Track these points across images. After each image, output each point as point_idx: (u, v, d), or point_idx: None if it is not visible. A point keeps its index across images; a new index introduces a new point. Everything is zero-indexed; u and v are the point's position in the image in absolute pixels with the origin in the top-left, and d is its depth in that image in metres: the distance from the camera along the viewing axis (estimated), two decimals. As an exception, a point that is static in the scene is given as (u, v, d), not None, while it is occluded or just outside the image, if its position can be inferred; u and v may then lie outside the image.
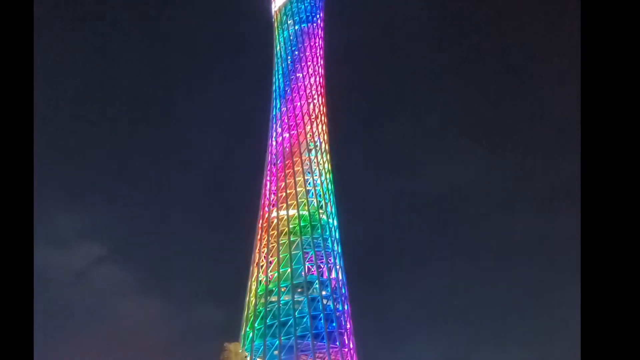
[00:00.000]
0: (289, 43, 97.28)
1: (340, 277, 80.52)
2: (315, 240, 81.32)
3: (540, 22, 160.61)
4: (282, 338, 74.53)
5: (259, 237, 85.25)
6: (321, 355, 74.14)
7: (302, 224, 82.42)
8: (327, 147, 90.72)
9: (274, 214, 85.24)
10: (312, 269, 79.54)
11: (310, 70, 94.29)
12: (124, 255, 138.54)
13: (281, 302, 77.44)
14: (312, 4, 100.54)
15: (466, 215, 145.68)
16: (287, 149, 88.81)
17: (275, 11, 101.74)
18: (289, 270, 79.00)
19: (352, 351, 75.83)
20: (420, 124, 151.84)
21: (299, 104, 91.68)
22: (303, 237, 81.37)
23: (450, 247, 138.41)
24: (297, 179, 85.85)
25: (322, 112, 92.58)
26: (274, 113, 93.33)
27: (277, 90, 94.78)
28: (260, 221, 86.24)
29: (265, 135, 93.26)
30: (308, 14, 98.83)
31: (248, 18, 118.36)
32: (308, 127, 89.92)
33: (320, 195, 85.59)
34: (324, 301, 77.44)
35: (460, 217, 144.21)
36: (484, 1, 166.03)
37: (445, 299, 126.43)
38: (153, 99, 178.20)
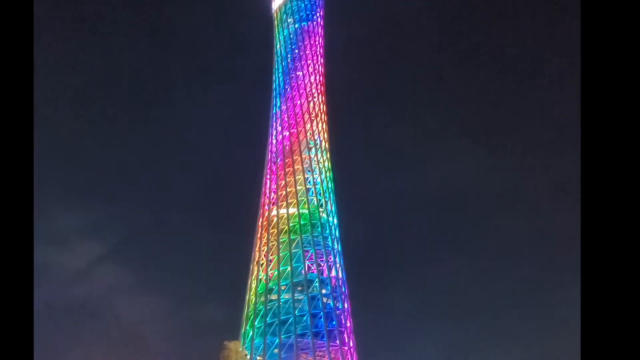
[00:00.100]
0: (289, 41, 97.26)
1: (340, 276, 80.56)
2: (315, 239, 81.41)
3: (540, 21, 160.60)
4: (282, 336, 74.61)
5: (259, 235, 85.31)
6: (321, 353, 74.19)
7: (302, 222, 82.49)
8: (327, 146, 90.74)
9: (274, 212, 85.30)
10: (312, 268, 79.60)
11: (310, 68, 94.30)
12: (124, 254, 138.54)
13: (281, 300, 77.51)
14: (312, 2, 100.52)
15: (466, 215, 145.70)
16: (287, 148, 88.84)
17: (275, 10, 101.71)
18: (289, 268, 79.07)
19: (352, 349, 75.88)
20: (420, 123, 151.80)
21: (299, 102, 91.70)
22: (303, 235, 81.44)
23: (450, 246, 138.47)
24: (297, 177, 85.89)
25: (322, 111, 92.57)
26: (274, 111, 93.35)
27: (277, 89, 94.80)
28: (261, 219, 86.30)
29: (265, 133, 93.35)
30: (308, 12, 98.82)
31: (248, 17, 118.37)
32: (308, 126, 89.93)
33: (320, 194, 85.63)
34: (324, 299, 77.52)
35: (460, 216, 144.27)
36: (484, 1, 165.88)
37: (445, 297, 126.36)
38: (153, 98, 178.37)
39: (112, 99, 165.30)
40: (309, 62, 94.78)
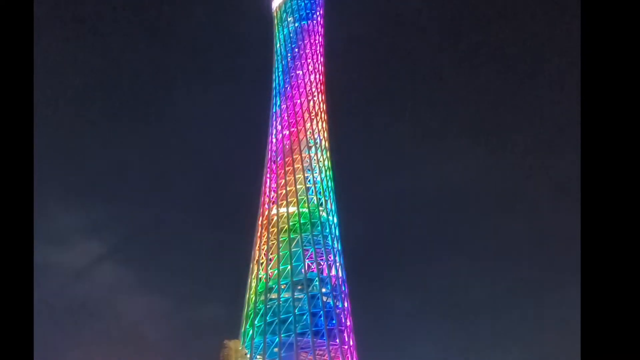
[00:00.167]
0: (289, 40, 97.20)
1: (340, 275, 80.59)
2: (315, 238, 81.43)
3: (540, 21, 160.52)
4: (282, 335, 74.67)
5: (259, 234, 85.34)
6: (321, 352, 74.24)
7: (302, 222, 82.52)
8: (327, 145, 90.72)
9: (274, 211, 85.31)
10: (312, 267, 79.64)
11: (310, 67, 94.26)
12: (124, 254, 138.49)
13: (281, 299, 77.56)
14: (312, 1, 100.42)
15: (466, 214, 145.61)
16: (287, 147, 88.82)
17: (275, 8, 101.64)
18: (289, 267, 79.12)
19: (351, 349, 75.93)
20: (420, 122, 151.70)
21: (299, 101, 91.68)
22: (303, 234, 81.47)
23: (450, 245, 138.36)
24: (297, 176, 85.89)
25: (322, 110, 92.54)
26: (274, 110, 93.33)
27: (277, 88, 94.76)
28: (261, 218, 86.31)
29: (265, 132, 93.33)
30: (308, 11, 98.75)
31: (248, 16, 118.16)
32: (308, 125, 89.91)
33: (320, 193, 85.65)
34: (324, 298, 77.56)
35: (460, 216, 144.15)
36: (484, 1, 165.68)
37: (445, 297, 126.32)
38: (153, 98, 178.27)
39: (112, 99, 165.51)
40: (308, 61, 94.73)
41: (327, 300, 77.79)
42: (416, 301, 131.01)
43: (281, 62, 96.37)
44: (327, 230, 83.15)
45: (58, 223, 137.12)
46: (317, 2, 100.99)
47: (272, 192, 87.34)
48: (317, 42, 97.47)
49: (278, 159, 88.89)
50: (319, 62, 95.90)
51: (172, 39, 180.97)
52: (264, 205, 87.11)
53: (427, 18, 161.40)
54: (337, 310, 77.28)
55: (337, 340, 75.03)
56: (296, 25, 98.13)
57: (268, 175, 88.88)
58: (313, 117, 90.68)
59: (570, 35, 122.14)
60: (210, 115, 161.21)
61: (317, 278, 78.48)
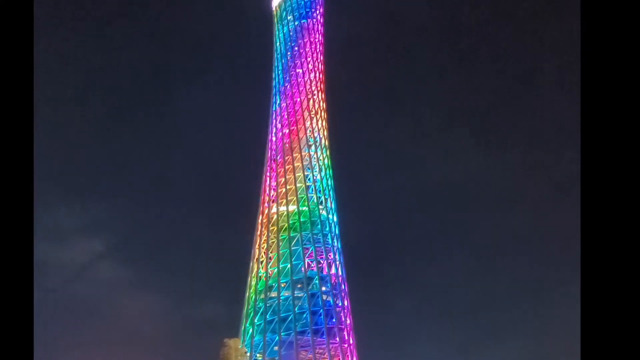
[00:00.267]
0: (288, 39, 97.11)
1: (340, 273, 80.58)
2: (315, 236, 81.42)
3: (541, 20, 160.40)
4: (282, 334, 74.72)
5: (258, 232, 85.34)
6: (321, 350, 74.27)
7: (302, 220, 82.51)
8: (326, 143, 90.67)
9: (274, 209, 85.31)
10: (312, 265, 79.64)
11: (310, 66, 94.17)
12: (124, 251, 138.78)
13: (281, 297, 77.59)
14: (312, 0, 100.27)
15: (466, 213, 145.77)
16: (287, 145, 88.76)
17: (275, 7, 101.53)
18: (289, 266, 79.13)
19: (351, 347, 75.97)
20: (420, 120, 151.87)
21: (298, 99, 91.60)
22: (303, 232, 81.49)
23: (450, 244, 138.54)
24: (297, 174, 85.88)
25: (321, 108, 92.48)
26: (274, 109, 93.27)
27: (277, 86, 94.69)
28: (260, 217, 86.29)
29: (265, 131, 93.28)
30: (308, 9, 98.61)
31: (248, 15, 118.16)
32: (308, 123, 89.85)
33: (320, 191, 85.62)
34: (324, 297, 77.59)
35: (460, 214, 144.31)
36: (484, 0, 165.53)
37: (445, 295, 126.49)
38: (153, 96, 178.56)
39: (112, 98, 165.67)
40: (308, 59, 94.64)
41: (327, 299, 77.81)
42: (416, 299, 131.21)
43: (281, 60, 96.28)
44: (327, 229, 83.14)
45: (58, 221, 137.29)
46: (316, 1, 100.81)
47: (272, 191, 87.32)
48: (316, 40, 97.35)
49: (278, 158, 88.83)
50: (318, 60, 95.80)
51: (172, 37, 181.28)
52: (264, 203, 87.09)
53: (427, 17, 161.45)
54: (337, 309, 77.30)
55: (337, 339, 75.07)
56: (296, 23, 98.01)
57: (268, 174, 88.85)
58: (313, 116, 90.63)
59: (570, 34, 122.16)
60: (210, 114, 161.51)
61: (317, 276, 78.48)
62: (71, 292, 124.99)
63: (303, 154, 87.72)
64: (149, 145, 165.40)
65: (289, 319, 75.46)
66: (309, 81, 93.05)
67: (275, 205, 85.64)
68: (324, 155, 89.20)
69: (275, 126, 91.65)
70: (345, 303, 78.64)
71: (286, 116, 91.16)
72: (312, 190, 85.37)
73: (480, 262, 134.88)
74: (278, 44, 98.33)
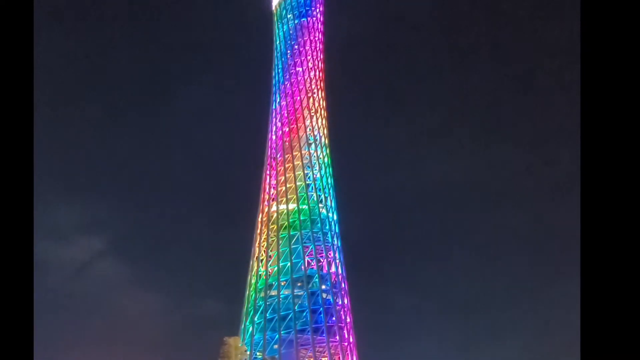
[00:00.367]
0: (288, 37, 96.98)
1: (340, 271, 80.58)
2: (315, 235, 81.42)
3: (541, 18, 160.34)
4: (281, 332, 74.71)
5: (258, 231, 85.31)
6: (321, 349, 74.28)
7: (302, 218, 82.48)
8: (326, 141, 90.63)
9: (274, 208, 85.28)
10: (312, 263, 79.64)
11: (309, 64, 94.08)
12: (124, 250, 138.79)
13: (281, 296, 77.57)
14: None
15: (466, 211, 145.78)
16: (287, 143, 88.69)
17: (275, 5, 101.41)
18: (289, 264, 79.12)
19: (351, 345, 75.97)
20: (420, 119, 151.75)
21: (298, 98, 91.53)
22: (303, 231, 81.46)
23: (450, 242, 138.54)
24: (297, 173, 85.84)
25: (321, 106, 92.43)
26: (274, 107, 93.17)
27: (277, 85, 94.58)
28: (260, 215, 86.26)
29: (264, 129, 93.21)
30: (308, 7, 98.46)
31: (248, 13, 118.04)
32: (308, 121, 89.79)
33: (320, 190, 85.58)
34: (324, 295, 77.60)
35: (460, 212, 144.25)
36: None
37: (445, 294, 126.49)
38: (153, 95, 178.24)
39: (111, 96, 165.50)
40: (308, 57, 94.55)
41: (327, 297, 77.81)
42: (416, 298, 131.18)
43: (281, 59, 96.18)
44: (327, 227, 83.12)
45: (58, 219, 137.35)
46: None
47: (272, 189, 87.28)
48: (316, 39, 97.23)
49: (278, 156, 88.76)
50: (318, 59, 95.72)
51: (171, 37, 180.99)
52: (263, 202, 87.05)
53: (427, 15, 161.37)
54: (337, 307, 77.30)
55: (337, 337, 75.07)
56: (296, 22, 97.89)
57: (268, 172, 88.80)
58: (313, 114, 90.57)
59: (571, 31, 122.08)
60: (210, 113, 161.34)
61: (317, 275, 78.48)
62: (71, 291, 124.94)
63: (303, 152, 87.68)
64: (149, 144, 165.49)
65: (289, 317, 75.47)
66: (308, 79, 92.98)
67: (275, 203, 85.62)
68: (324, 153, 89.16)
69: (275, 125, 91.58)
70: (345, 301, 78.64)
71: (286, 115, 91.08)
72: (312, 188, 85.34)
73: (480, 261, 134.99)
74: (278, 42, 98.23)
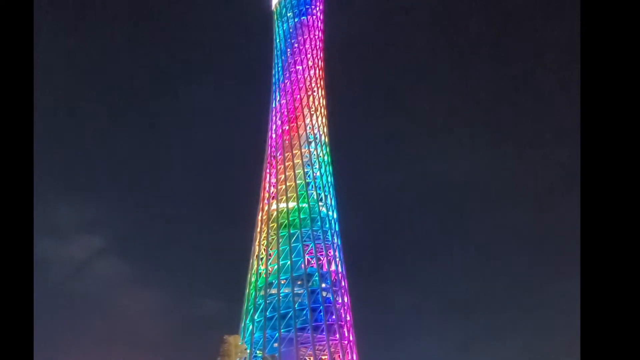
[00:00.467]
0: (288, 35, 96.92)
1: (340, 270, 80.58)
2: (315, 233, 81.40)
3: (541, 16, 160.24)
4: (281, 330, 74.70)
5: (258, 229, 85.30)
6: (321, 347, 74.30)
7: (302, 217, 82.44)
8: (327, 140, 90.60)
9: (274, 206, 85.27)
10: (312, 262, 79.62)
11: (309, 62, 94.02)
12: (124, 248, 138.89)
13: (281, 294, 77.59)
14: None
15: (466, 210, 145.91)
16: (287, 142, 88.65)
17: (275, 4, 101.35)
18: (289, 262, 79.13)
19: (351, 344, 75.99)
20: (420, 117, 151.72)
21: (298, 96, 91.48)
22: (303, 229, 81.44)
23: (451, 241, 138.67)
24: (297, 171, 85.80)
25: (321, 105, 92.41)
26: (274, 106, 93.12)
27: (277, 83, 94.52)
28: (260, 213, 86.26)
29: (264, 128, 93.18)
30: (307, 6, 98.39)
31: (248, 11, 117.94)
32: (308, 120, 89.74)
33: (320, 188, 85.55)
34: (324, 293, 77.60)
35: (460, 211, 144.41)
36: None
37: (445, 292, 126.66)
38: (152, 93, 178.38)
39: (111, 94, 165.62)
40: (308, 56, 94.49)
41: (327, 296, 77.80)
42: (416, 297, 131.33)
43: (281, 57, 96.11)
44: (327, 226, 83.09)
45: (58, 218, 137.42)
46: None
47: (272, 188, 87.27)
48: (316, 37, 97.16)
49: (278, 155, 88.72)
50: (318, 57, 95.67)
51: (171, 35, 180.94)
52: (263, 200, 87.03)
53: (427, 14, 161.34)
54: (337, 306, 77.29)
55: (337, 336, 75.06)
56: (296, 20, 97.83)
57: (268, 171, 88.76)
58: (313, 113, 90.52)
59: (570, 32, 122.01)
60: (209, 110, 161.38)
61: (317, 273, 78.47)
62: (71, 290, 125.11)
63: (303, 150, 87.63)
64: (149, 142, 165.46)
65: (289, 315, 75.46)
66: (308, 78, 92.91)
67: (275, 202, 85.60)
68: (324, 152, 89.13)
69: (275, 123, 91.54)
70: (345, 300, 78.64)
71: (286, 113, 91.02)
72: (312, 187, 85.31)
73: (480, 260, 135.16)
74: (278, 40, 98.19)
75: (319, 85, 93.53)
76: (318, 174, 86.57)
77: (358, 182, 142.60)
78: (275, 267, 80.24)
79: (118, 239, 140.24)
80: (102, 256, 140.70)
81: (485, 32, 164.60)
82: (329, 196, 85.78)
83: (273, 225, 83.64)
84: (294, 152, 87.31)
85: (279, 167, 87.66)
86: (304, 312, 75.73)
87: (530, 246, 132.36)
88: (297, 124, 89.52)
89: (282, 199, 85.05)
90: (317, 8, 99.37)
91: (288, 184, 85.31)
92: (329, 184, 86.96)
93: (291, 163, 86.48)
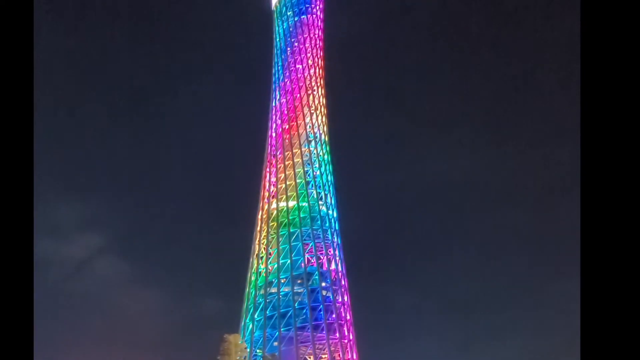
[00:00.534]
0: (288, 34, 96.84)
1: (340, 269, 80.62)
2: (315, 232, 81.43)
3: (541, 15, 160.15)
4: (281, 329, 74.74)
5: (258, 228, 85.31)
6: (321, 346, 74.34)
7: (302, 216, 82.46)
8: (326, 139, 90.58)
9: (274, 205, 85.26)
10: (312, 261, 79.66)
11: (309, 61, 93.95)
12: (124, 247, 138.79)
13: (281, 293, 77.64)
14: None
15: (467, 210, 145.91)
16: (287, 141, 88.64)
17: (275, 3, 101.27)
18: (289, 261, 79.17)
19: (351, 342, 76.02)
20: (420, 117, 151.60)
21: (298, 95, 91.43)
22: (303, 228, 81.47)
23: (451, 240, 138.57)
24: (297, 170, 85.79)
25: (321, 104, 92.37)
26: (274, 105, 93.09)
27: (277, 82, 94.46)
28: (260, 212, 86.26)
29: (264, 127, 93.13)
30: (307, 5, 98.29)
31: (248, 10, 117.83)
32: (308, 119, 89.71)
33: (320, 187, 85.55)
34: (324, 292, 77.64)
35: (460, 210, 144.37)
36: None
37: (444, 292, 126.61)
38: (152, 92, 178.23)
39: (112, 93, 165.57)
40: (308, 55, 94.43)
41: (327, 294, 77.84)
42: (416, 296, 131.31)
43: (281, 56, 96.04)
44: (327, 224, 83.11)
45: (58, 218, 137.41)
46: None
47: (272, 187, 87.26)
48: (316, 36, 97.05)
49: (278, 153, 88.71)
50: (318, 56, 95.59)
51: (171, 36, 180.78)
52: (263, 199, 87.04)
53: (427, 13, 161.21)
54: (337, 305, 77.33)
55: (337, 334, 75.12)
56: (296, 19, 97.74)
57: (268, 170, 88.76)
58: (313, 112, 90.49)
59: (570, 32, 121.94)
60: (209, 110, 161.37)
61: (317, 272, 78.51)
62: (71, 290, 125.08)
63: (303, 149, 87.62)
64: (149, 141, 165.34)
65: (289, 314, 75.51)
66: (308, 77, 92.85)
67: (275, 201, 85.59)
68: (324, 151, 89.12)
69: (275, 122, 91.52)
70: (345, 299, 78.67)
71: (286, 112, 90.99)
72: (312, 186, 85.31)
73: (480, 260, 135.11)
74: (278, 39, 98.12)
75: (318, 84, 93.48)
76: (318, 172, 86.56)
77: (358, 182, 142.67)
78: (275, 266, 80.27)
79: (118, 239, 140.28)
80: (102, 256, 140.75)
81: (485, 32, 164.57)
82: (329, 195, 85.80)
83: (273, 224, 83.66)
84: (294, 151, 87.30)
85: (279, 166, 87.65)
86: (304, 311, 75.77)
87: (530, 246, 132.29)
88: (297, 122, 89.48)
89: (282, 197, 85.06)
90: (317, 7, 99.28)
91: (288, 182, 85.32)
92: (329, 183, 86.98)
93: (291, 162, 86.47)
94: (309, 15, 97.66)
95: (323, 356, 74.44)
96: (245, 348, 69.21)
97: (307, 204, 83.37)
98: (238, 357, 61.04)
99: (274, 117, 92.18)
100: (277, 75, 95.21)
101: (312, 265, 79.25)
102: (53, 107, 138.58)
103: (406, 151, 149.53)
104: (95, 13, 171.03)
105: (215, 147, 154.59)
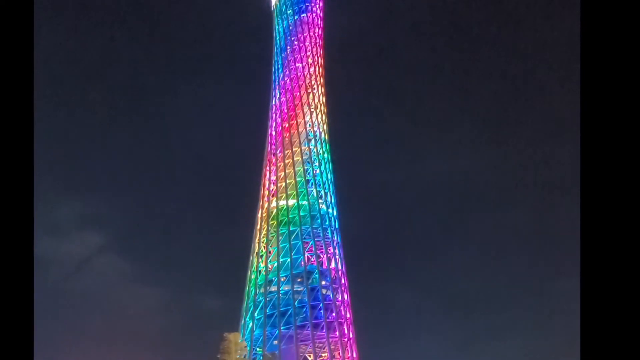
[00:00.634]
0: (288, 33, 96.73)
1: (339, 267, 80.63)
2: (315, 230, 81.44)
3: (541, 15, 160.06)
4: (281, 328, 74.77)
5: (258, 227, 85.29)
6: (321, 345, 74.39)
7: (301, 214, 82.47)
8: (326, 137, 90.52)
9: (274, 203, 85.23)
10: (312, 259, 79.69)
11: (309, 60, 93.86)
12: (124, 246, 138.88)
13: (281, 292, 77.66)
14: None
15: (467, 209, 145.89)
16: (287, 139, 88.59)
17: (275, 1, 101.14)
18: (289, 260, 79.18)
19: (351, 341, 76.06)
20: (420, 116, 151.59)
21: (298, 93, 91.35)
22: (303, 227, 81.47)
23: (451, 239, 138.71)
24: (296, 169, 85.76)
25: (321, 102, 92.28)
26: (274, 103, 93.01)
27: (277, 80, 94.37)
28: (260, 211, 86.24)
29: (264, 125, 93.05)
30: (307, 3, 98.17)
31: (248, 9, 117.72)
32: (307, 117, 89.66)
33: (320, 185, 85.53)
34: (324, 291, 77.66)
35: (461, 210, 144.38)
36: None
37: (445, 290, 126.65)
38: (152, 91, 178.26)
39: (112, 91, 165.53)
40: (308, 53, 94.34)
41: (327, 293, 77.86)
42: (416, 295, 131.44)
43: (280, 54, 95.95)
44: (327, 223, 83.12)
45: (58, 216, 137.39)
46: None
47: (272, 185, 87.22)
48: (316, 34, 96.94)
49: (278, 152, 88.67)
50: (318, 54, 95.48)
51: (171, 35, 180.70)
52: (263, 197, 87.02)
53: (428, 10, 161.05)
54: (337, 303, 77.36)
55: (337, 333, 75.17)
56: (295, 17, 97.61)
57: (268, 168, 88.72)
58: (312, 110, 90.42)
59: (571, 31, 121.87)
60: (209, 108, 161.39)
61: (316, 270, 78.53)
62: (71, 288, 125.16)
63: (303, 148, 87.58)
64: (149, 140, 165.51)
65: (289, 313, 75.54)
66: (308, 75, 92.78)
67: (275, 199, 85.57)
68: (324, 149, 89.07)
69: (275, 120, 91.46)
70: (345, 297, 78.70)
71: (286, 110, 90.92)
72: (312, 184, 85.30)
73: (480, 259, 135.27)
74: (278, 38, 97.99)
75: (318, 82, 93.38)
76: (318, 171, 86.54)
77: (358, 180, 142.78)
78: (275, 264, 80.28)
79: (118, 238, 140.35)
80: (102, 255, 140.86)
81: (485, 31, 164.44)
82: (328, 194, 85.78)
83: (273, 223, 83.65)
84: (294, 149, 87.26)
85: (278, 164, 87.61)
86: (304, 309, 75.80)
87: (530, 246, 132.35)
88: (296, 121, 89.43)
89: (282, 196, 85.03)
90: (317, 5, 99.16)
91: (288, 181, 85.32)
92: (329, 182, 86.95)
93: (291, 160, 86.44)
94: (308, 14, 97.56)
95: (323, 355, 74.50)
96: (245, 347, 69.19)
97: (307, 203, 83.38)
98: (238, 356, 60.99)
99: (273, 115, 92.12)
100: (277, 74, 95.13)
101: (312, 263, 79.29)
102: (53, 107, 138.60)
103: (406, 150, 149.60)
104: (95, 13, 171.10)
105: (215, 146, 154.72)
